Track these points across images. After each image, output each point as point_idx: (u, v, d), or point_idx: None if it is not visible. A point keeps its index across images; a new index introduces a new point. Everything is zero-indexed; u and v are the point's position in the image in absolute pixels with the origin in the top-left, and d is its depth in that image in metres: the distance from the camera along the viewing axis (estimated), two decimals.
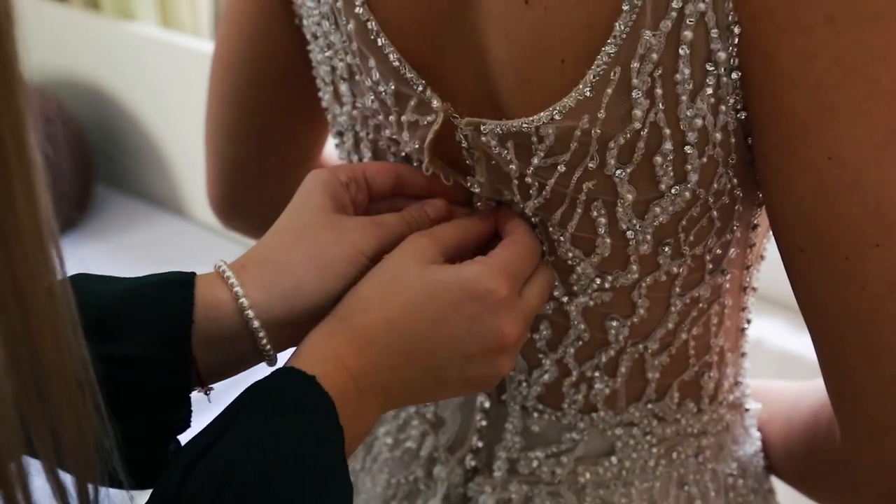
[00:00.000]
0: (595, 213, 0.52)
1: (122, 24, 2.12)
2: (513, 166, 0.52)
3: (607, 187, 0.50)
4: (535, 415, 0.62)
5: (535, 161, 0.51)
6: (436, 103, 0.52)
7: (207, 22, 2.10)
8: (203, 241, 2.07)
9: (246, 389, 0.47)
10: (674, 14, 0.44)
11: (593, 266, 0.55)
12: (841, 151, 0.44)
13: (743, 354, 0.64)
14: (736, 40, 0.45)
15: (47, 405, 0.39)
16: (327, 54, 0.59)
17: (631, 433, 0.61)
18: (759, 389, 0.68)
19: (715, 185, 0.50)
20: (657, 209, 0.51)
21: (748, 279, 0.60)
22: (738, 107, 0.47)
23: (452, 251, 0.54)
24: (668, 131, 0.47)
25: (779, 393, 0.68)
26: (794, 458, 0.64)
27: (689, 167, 0.49)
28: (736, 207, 0.53)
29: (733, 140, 0.49)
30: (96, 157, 2.18)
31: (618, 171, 0.49)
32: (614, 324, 0.57)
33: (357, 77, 0.57)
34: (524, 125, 0.49)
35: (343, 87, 0.59)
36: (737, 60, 0.45)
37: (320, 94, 0.63)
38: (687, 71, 0.46)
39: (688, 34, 0.44)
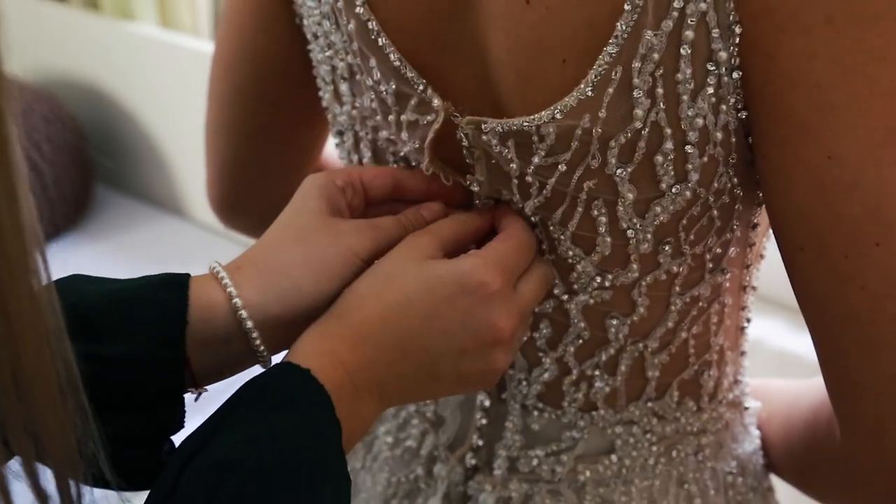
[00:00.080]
0: (596, 212, 0.52)
1: (121, 24, 2.12)
2: (513, 165, 0.52)
3: (608, 186, 0.50)
4: (536, 413, 0.62)
5: (536, 160, 0.51)
6: (436, 102, 0.53)
7: (207, 22, 2.10)
8: (202, 241, 2.07)
9: (241, 386, 0.47)
10: (675, 14, 0.44)
11: (593, 264, 0.55)
12: (841, 151, 0.44)
13: (742, 353, 0.64)
14: (737, 40, 0.45)
15: (28, 409, 0.39)
16: (328, 54, 0.59)
17: (631, 431, 0.62)
18: (758, 388, 0.68)
19: (715, 185, 0.51)
20: (658, 208, 0.51)
21: (748, 278, 0.60)
22: (739, 106, 0.47)
23: (451, 247, 0.54)
24: (669, 131, 0.48)
25: (778, 391, 0.68)
26: (794, 456, 0.64)
27: (690, 166, 0.49)
28: (736, 206, 0.53)
29: (734, 139, 0.49)
30: (96, 158, 2.18)
31: (618, 171, 0.50)
32: (614, 322, 0.57)
33: (357, 77, 0.57)
34: (525, 124, 0.49)
35: (343, 87, 0.59)
36: (738, 60, 0.45)
37: (320, 93, 0.63)
38: (688, 70, 0.46)
39: (689, 34, 0.45)
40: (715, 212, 0.52)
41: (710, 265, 0.55)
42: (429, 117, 0.54)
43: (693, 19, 0.44)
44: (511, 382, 0.62)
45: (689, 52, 0.45)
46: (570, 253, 0.55)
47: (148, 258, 1.98)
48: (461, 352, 0.51)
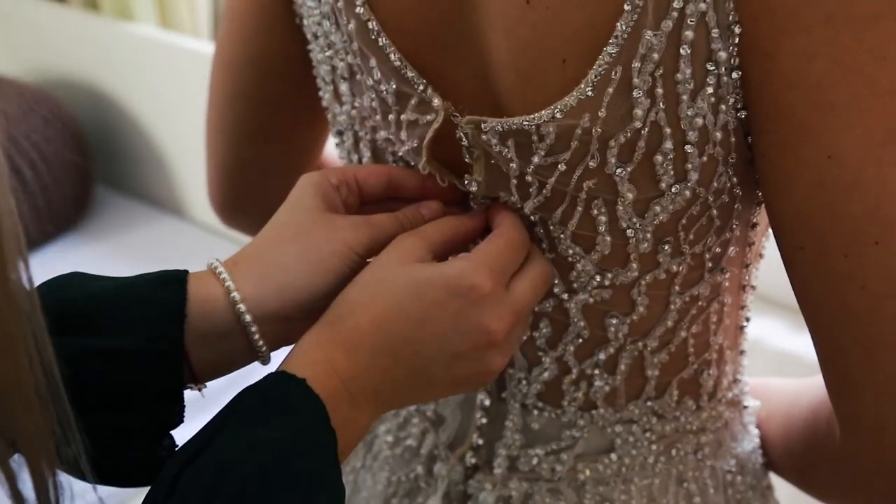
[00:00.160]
0: (595, 212, 0.52)
1: (121, 24, 2.12)
2: (513, 165, 0.52)
3: (608, 186, 0.51)
4: (535, 412, 0.62)
5: (536, 160, 0.51)
6: (436, 102, 0.53)
7: (207, 22, 2.10)
8: (202, 241, 2.07)
9: (238, 394, 0.47)
10: (675, 14, 0.44)
11: (593, 263, 0.55)
12: (840, 150, 0.44)
13: (742, 352, 0.65)
14: (736, 40, 0.45)
15: (4, 415, 0.39)
16: (328, 54, 0.59)
17: (630, 430, 0.62)
18: (757, 387, 0.69)
19: (715, 184, 0.51)
20: (657, 208, 0.51)
21: (747, 277, 0.60)
22: (739, 106, 0.47)
23: (441, 248, 0.54)
24: (668, 130, 0.48)
25: (777, 390, 0.68)
26: (794, 454, 0.64)
27: (690, 166, 0.49)
28: (735, 206, 0.53)
29: (733, 139, 0.49)
30: (95, 158, 2.18)
31: (618, 170, 0.50)
32: (614, 321, 0.57)
33: (357, 77, 0.57)
34: (525, 123, 0.49)
35: (343, 87, 0.60)
36: (737, 60, 0.46)
37: (320, 93, 0.63)
38: (688, 70, 0.46)
39: (689, 34, 0.45)
40: (714, 211, 0.52)
41: (710, 264, 0.56)
42: (428, 117, 0.54)
43: (693, 19, 0.44)
44: (511, 381, 0.62)
45: (689, 52, 0.45)
46: (570, 252, 0.55)
47: (148, 258, 1.98)
48: (455, 355, 0.51)
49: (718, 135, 0.48)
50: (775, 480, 0.69)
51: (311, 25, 0.59)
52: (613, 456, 0.62)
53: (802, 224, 0.47)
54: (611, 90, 0.47)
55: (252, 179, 0.73)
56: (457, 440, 0.65)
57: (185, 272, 0.51)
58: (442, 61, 0.53)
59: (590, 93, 0.47)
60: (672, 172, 0.49)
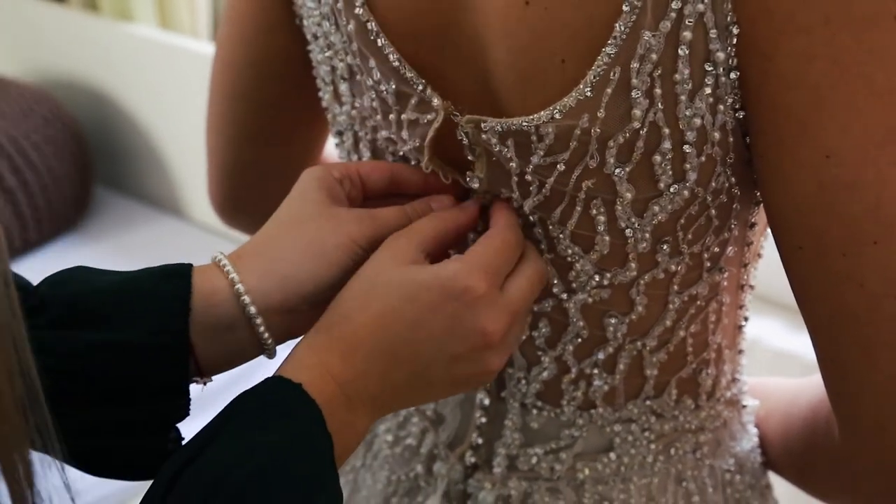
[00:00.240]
0: (594, 212, 0.52)
1: (120, 25, 2.12)
2: (513, 164, 0.52)
3: (606, 186, 0.51)
4: (535, 411, 0.62)
5: (535, 159, 0.51)
6: (436, 101, 0.53)
7: (206, 23, 2.10)
8: (202, 241, 2.07)
9: (234, 398, 0.47)
10: (673, 15, 0.45)
11: (592, 263, 0.55)
12: (839, 150, 0.44)
13: (740, 352, 0.65)
14: (734, 41, 0.45)
15: None
16: (327, 54, 0.59)
17: (629, 429, 0.62)
18: (756, 386, 0.69)
19: (713, 184, 0.51)
20: (656, 207, 0.51)
21: (746, 277, 0.60)
22: (737, 106, 0.48)
23: (433, 245, 0.54)
24: (667, 130, 0.48)
25: (776, 389, 0.68)
26: (793, 454, 0.64)
27: (688, 166, 0.49)
28: (734, 206, 0.53)
29: (731, 139, 0.49)
30: (95, 158, 2.18)
31: (617, 170, 0.50)
32: (613, 321, 0.57)
33: (357, 77, 0.57)
34: (524, 124, 0.50)
35: (343, 87, 0.60)
36: (735, 60, 0.46)
37: (320, 93, 0.63)
38: (686, 71, 0.46)
39: (687, 35, 0.45)
40: (713, 211, 0.52)
41: (708, 264, 0.56)
42: (429, 116, 0.54)
43: (691, 20, 0.45)
44: (510, 381, 0.62)
45: (687, 52, 0.45)
46: (569, 252, 0.55)
47: (147, 259, 1.97)
48: (452, 357, 0.51)
49: (717, 135, 0.48)
50: (774, 479, 0.70)
51: (311, 26, 0.59)
52: (612, 455, 0.62)
53: (801, 224, 0.47)
54: (609, 91, 0.47)
55: (253, 180, 0.73)
56: (456, 439, 0.65)
57: (190, 266, 0.51)
58: (441, 61, 0.53)
59: (588, 93, 0.47)
60: (670, 172, 0.50)
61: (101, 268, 0.52)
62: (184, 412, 0.50)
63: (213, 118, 0.72)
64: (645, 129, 0.48)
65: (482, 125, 0.52)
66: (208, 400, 0.53)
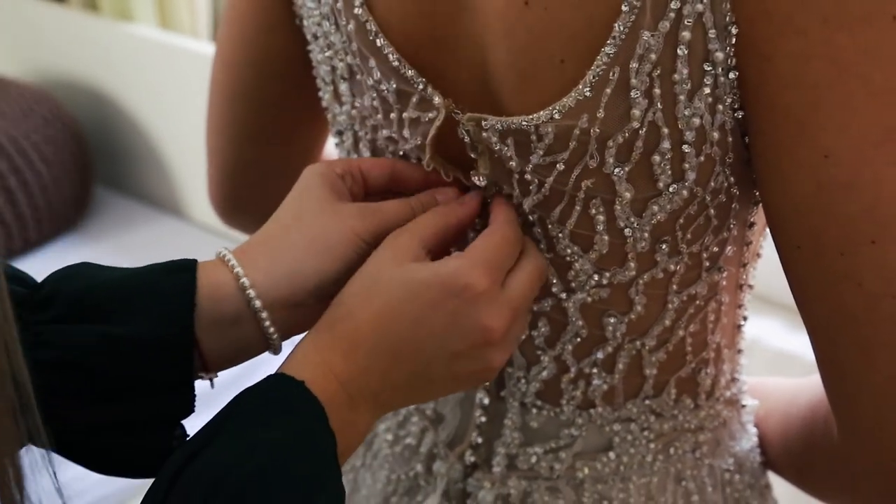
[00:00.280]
0: (593, 211, 0.52)
1: (120, 25, 2.12)
2: (513, 163, 0.52)
3: (606, 185, 0.51)
4: (534, 411, 0.63)
5: (535, 159, 0.51)
6: (437, 100, 0.53)
7: (206, 23, 2.10)
8: (202, 242, 2.07)
9: (236, 396, 0.47)
10: (672, 15, 0.45)
11: (591, 263, 0.55)
12: (837, 150, 0.44)
13: (739, 351, 0.65)
14: (733, 41, 0.45)
15: None
16: (327, 54, 0.59)
17: (629, 429, 0.62)
18: (756, 386, 0.69)
19: (712, 184, 0.51)
20: (655, 207, 0.51)
21: (745, 277, 0.60)
22: (736, 106, 0.48)
23: (434, 241, 0.54)
24: (666, 130, 0.48)
25: (775, 389, 0.68)
26: (792, 453, 0.64)
27: (687, 166, 0.49)
28: (733, 206, 0.53)
29: (730, 139, 0.49)
30: (95, 158, 2.18)
31: (616, 170, 0.50)
32: (612, 320, 0.58)
33: (358, 77, 0.57)
34: (524, 123, 0.50)
35: (343, 87, 0.60)
36: (734, 61, 0.46)
37: (320, 93, 0.63)
38: (685, 71, 0.46)
39: (686, 35, 0.45)
40: (712, 211, 0.53)
41: (707, 264, 0.56)
42: (430, 114, 0.54)
43: (690, 20, 0.45)
44: (510, 380, 0.63)
45: (686, 52, 0.46)
46: (568, 251, 0.55)
47: (147, 259, 1.96)
48: (454, 355, 0.51)
49: (716, 135, 0.48)
50: (774, 479, 0.70)
51: (311, 26, 0.60)
52: (612, 454, 0.62)
53: (799, 223, 0.47)
54: (609, 91, 0.47)
55: (253, 180, 0.73)
56: (456, 438, 0.65)
57: (194, 261, 0.51)
58: (441, 61, 0.53)
59: (588, 93, 0.47)
60: (669, 172, 0.50)
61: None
62: (189, 408, 0.50)
63: (214, 118, 0.72)
64: (644, 129, 0.48)
65: (483, 123, 0.52)
66: (212, 397, 0.53)
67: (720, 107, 0.47)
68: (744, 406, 0.67)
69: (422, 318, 0.50)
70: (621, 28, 0.45)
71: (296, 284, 0.51)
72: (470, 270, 0.50)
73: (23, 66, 2.34)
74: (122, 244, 2.06)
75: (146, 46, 2.06)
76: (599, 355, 0.59)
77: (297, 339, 0.52)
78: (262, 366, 0.52)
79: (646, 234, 0.53)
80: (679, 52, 0.46)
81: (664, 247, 0.54)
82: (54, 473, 0.44)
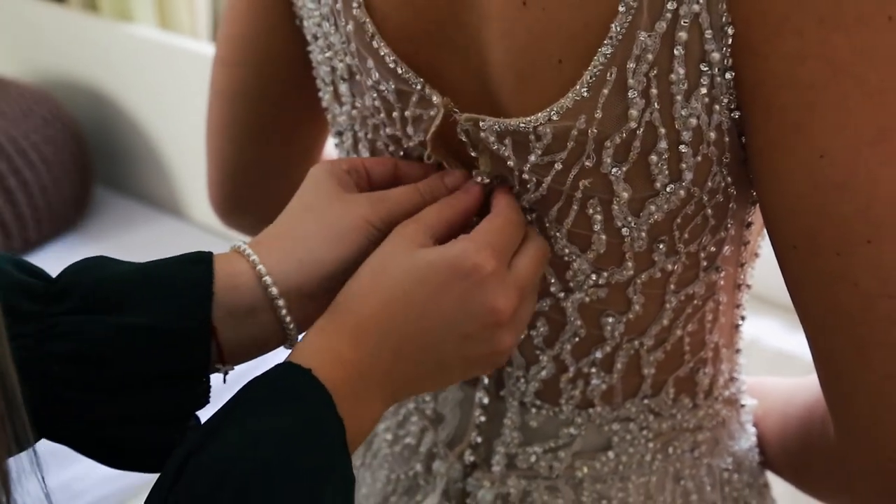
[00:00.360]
0: (591, 211, 0.53)
1: (120, 25, 2.12)
2: (510, 162, 0.53)
3: (603, 185, 0.51)
4: (533, 410, 0.63)
5: (532, 158, 0.51)
6: (436, 99, 0.53)
7: (206, 24, 2.10)
8: (201, 242, 2.06)
9: (244, 385, 0.47)
10: (668, 15, 0.45)
11: (589, 262, 0.55)
12: (832, 150, 0.44)
13: (738, 351, 0.65)
14: (729, 41, 0.45)
15: None
16: (327, 55, 0.59)
17: (627, 428, 0.62)
18: (754, 385, 0.69)
19: (709, 184, 0.51)
20: (652, 207, 0.52)
21: (742, 276, 0.60)
22: (732, 106, 0.48)
23: (440, 231, 0.54)
24: (663, 130, 0.48)
25: (773, 389, 0.68)
26: (789, 453, 0.65)
27: (684, 166, 0.50)
28: (730, 205, 0.53)
29: (727, 139, 0.49)
30: (94, 159, 2.18)
31: (614, 170, 0.50)
32: (610, 320, 0.58)
33: (357, 77, 0.58)
34: (521, 125, 0.50)
35: (342, 88, 0.60)
36: (730, 61, 0.46)
37: (320, 94, 0.63)
38: (682, 71, 0.46)
39: (682, 35, 0.45)
40: (709, 210, 0.53)
41: (705, 263, 0.56)
42: (431, 112, 0.54)
43: (686, 20, 0.45)
44: (509, 380, 0.63)
45: (683, 52, 0.46)
46: (566, 251, 0.55)
47: (147, 259, 1.97)
48: (464, 337, 0.51)
49: (712, 135, 0.49)
50: (772, 479, 0.70)
51: (311, 27, 0.60)
52: (611, 454, 0.62)
53: (795, 223, 0.47)
54: (606, 91, 0.47)
55: (253, 180, 0.74)
56: (455, 438, 0.65)
57: (210, 253, 0.52)
58: (440, 61, 0.53)
59: (585, 94, 0.47)
60: (667, 172, 0.50)
61: None
62: (204, 400, 0.50)
63: (214, 119, 0.73)
64: (641, 129, 0.48)
65: (480, 124, 0.52)
66: (223, 390, 0.53)
67: (717, 107, 0.48)
68: (742, 405, 0.67)
69: (430, 302, 0.50)
70: (618, 28, 0.46)
71: (311, 273, 0.52)
72: (477, 252, 0.51)
73: (22, 67, 2.34)
74: (121, 244, 2.06)
75: (146, 47, 2.06)
76: (598, 355, 0.59)
77: None
78: (275, 358, 0.52)
79: (643, 234, 0.53)
80: (676, 52, 0.46)
81: (662, 246, 0.54)
82: (42, 478, 0.44)
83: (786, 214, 0.48)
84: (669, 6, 0.45)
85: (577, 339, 0.59)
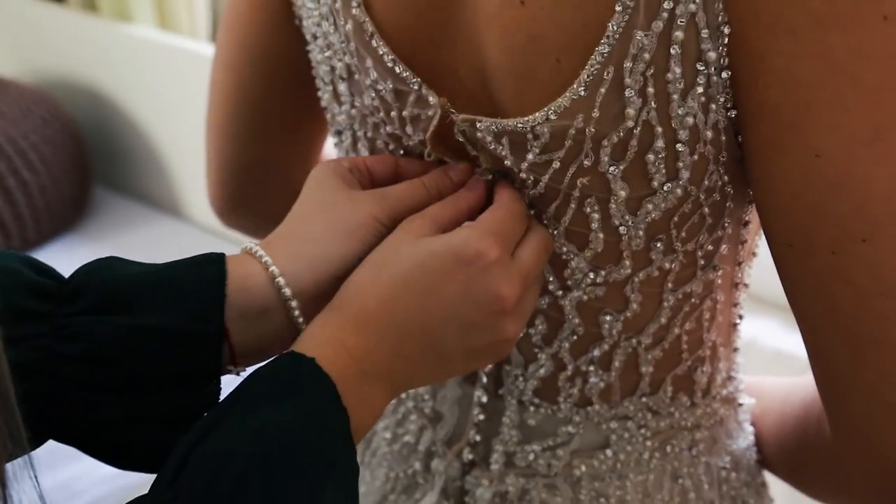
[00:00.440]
0: (588, 209, 0.53)
1: (119, 25, 2.12)
2: (508, 162, 0.53)
3: (601, 184, 0.51)
4: (532, 409, 0.63)
5: (530, 157, 0.52)
6: (433, 99, 0.53)
7: (205, 24, 2.10)
8: (201, 242, 2.07)
9: (247, 376, 0.47)
10: (665, 15, 0.45)
11: (587, 261, 0.55)
12: (827, 149, 0.45)
13: (735, 349, 0.65)
14: (726, 40, 0.45)
15: None
16: (326, 54, 0.59)
17: (625, 426, 0.62)
18: (751, 384, 0.69)
19: (706, 183, 0.51)
20: (649, 206, 0.52)
21: (740, 275, 0.60)
22: (729, 105, 0.48)
23: (446, 227, 0.54)
24: (660, 129, 0.48)
25: (771, 388, 0.68)
26: (786, 452, 0.65)
27: (681, 164, 0.50)
28: (727, 204, 0.54)
29: (724, 138, 0.49)
30: (94, 159, 2.18)
31: (611, 168, 0.50)
32: (608, 318, 0.58)
33: (356, 76, 0.58)
34: (519, 125, 0.50)
35: (342, 87, 0.60)
36: (727, 60, 0.46)
37: (319, 93, 0.64)
38: (678, 70, 0.46)
39: (679, 34, 0.45)
40: (706, 209, 0.53)
41: (702, 262, 0.56)
42: (429, 112, 0.54)
43: (683, 20, 0.45)
44: (508, 378, 0.63)
45: (679, 52, 0.46)
46: (564, 249, 0.55)
47: (146, 259, 1.97)
48: (467, 326, 0.51)
49: (709, 134, 0.49)
50: (770, 477, 0.70)
51: (311, 26, 0.60)
52: (609, 452, 0.62)
53: (790, 222, 0.47)
54: (603, 90, 0.47)
55: (252, 180, 0.74)
56: (454, 436, 0.66)
57: (223, 254, 0.52)
58: (439, 61, 0.53)
59: (582, 93, 0.48)
60: (664, 171, 0.50)
61: None
62: (214, 401, 0.50)
63: (213, 118, 0.73)
64: (638, 128, 0.48)
65: (477, 124, 0.52)
66: (231, 380, 0.53)
67: (713, 106, 0.48)
68: (740, 404, 0.67)
69: (433, 289, 0.50)
70: (615, 28, 0.46)
71: (321, 271, 0.52)
72: (481, 238, 0.50)
73: (22, 67, 2.34)
74: (121, 245, 2.06)
75: (145, 47, 2.06)
76: (596, 353, 0.60)
77: None
78: None
79: (640, 233, 0.53)
80: (672, 51, 0.46)
81: (659, 245, 0.54)
82: (37, 479, 0.44)
83: (781, 213, 0.48)
84: (666, 5, 0.45)
85: (575, 337, 0.59)
